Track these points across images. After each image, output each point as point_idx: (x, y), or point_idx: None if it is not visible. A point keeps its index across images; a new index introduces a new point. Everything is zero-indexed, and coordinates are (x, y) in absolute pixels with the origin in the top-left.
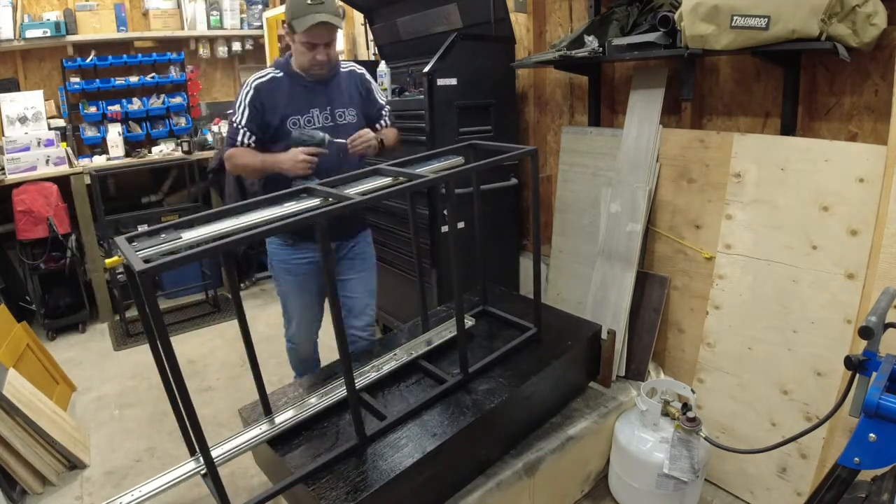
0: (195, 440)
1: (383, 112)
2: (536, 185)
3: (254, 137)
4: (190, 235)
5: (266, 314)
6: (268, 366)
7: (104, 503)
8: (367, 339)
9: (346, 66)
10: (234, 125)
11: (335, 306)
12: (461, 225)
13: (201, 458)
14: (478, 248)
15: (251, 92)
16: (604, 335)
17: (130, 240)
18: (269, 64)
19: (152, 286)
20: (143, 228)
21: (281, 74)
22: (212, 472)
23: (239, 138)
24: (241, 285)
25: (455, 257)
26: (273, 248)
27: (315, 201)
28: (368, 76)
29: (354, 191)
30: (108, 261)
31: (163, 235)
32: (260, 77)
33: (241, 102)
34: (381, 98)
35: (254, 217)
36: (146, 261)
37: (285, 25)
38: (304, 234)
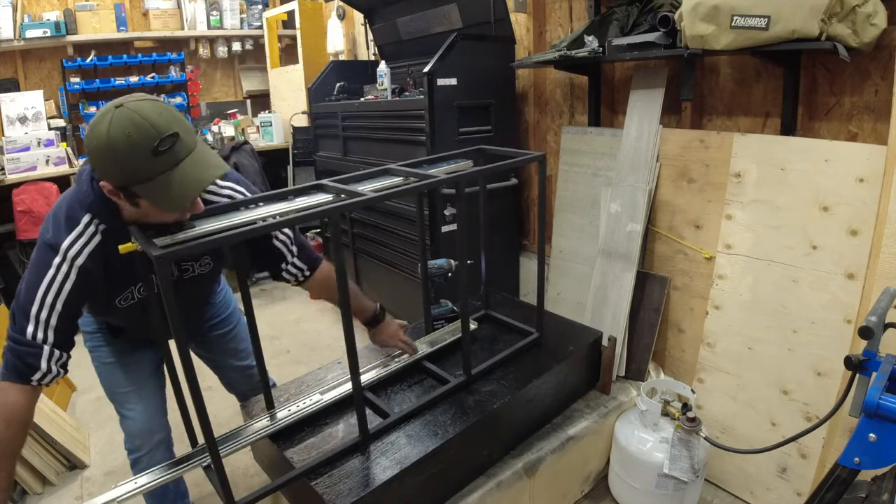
0: (201, 428)
1: (284, 239)
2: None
3: (66, 356)
4: (203, 226)
5: (268, 314)
6: (269, 365)
7: (107, 493)
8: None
9: (223, 184)
10: (31, 329)
11: (344, 295)
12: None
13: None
14: (481, 250)
15: (71, 278)
16: (604, 342)
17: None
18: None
19: (169, 272)
20: None
21: (101, 238)
22: (216, 463)
23: (43, 365)
24: None
25: (461, 258)
26: (84, 318)
27: (327, 197)
28: (244, 188)
29: (366, 188)
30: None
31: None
32: (75, 250)
33: (45, 294)
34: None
35: (265, 210)
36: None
37: (108, 184)
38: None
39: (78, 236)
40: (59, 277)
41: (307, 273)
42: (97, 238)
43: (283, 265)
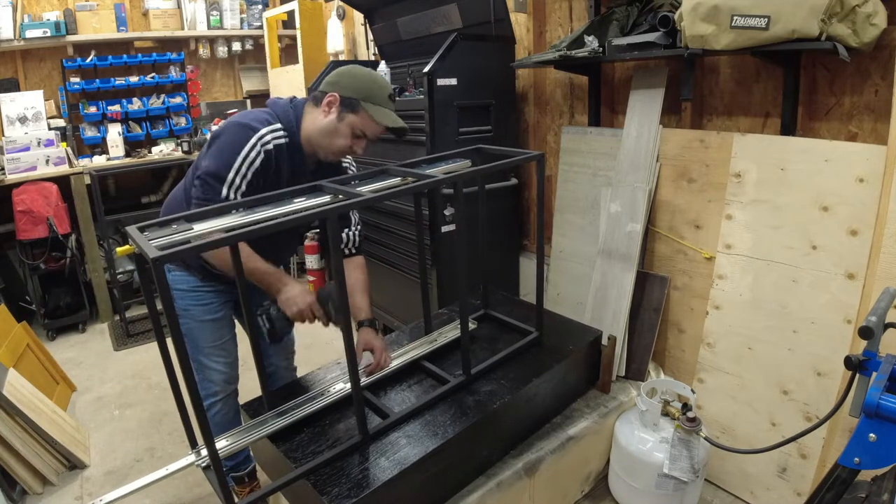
0: (200, 428)
1: (351, 217)
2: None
3: None
4: (201, 227)
5: None
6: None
7: (109, 494)
8: (292, 377)
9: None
10: (225, 191)
11: (343, 293)
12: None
13: (202, 451)
14: (480, 250)
15: (260, 156)
16: (604, 341)
17: (142, 229)
18: (270, 93)
19: (165, 275)
20: None
21: (285, 141)
22: (215, 464)
23: None
24: None
25: (460, 258)
26: (178, 276)
27: (325, 198)
28: (354, 168)
29: (364, 189)
30: (119, 249)
31: (174, 226)
32: (268, 139)
33: (241, 163)
34: None
35: (264, 212)
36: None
37: (339, 97)
38: (211, 271)
39: (270, 131)
40: (253, 154)
41: (353, 249)
42: (282, 140)
43: (346, 230)
